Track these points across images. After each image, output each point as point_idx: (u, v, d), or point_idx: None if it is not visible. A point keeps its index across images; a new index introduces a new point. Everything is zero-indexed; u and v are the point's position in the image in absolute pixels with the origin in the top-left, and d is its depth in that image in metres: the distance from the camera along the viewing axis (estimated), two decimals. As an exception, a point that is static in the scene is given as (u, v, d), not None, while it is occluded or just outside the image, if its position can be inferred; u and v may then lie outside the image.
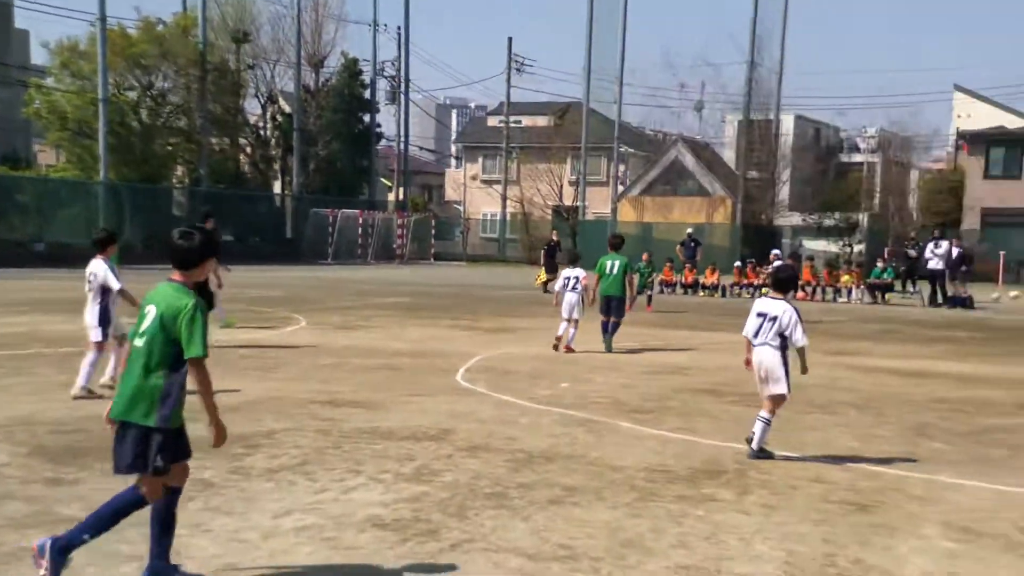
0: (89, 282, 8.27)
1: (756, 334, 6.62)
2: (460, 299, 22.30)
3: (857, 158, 55.75)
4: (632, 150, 52.23)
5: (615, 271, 12.70)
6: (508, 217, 51.39)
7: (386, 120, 53.60)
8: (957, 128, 50.51)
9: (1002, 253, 35.59)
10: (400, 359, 11.42)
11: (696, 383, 10.13)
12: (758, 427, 6.60)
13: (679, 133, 51.62)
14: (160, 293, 3.98)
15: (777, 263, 20.91)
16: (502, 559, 4.51)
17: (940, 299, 23.41)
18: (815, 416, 8.31)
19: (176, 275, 4.01)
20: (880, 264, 26.24)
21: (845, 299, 25.12)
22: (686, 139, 49.65)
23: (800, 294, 25.56)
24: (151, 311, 3.92)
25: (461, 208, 57.11)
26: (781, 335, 6.52)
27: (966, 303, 22.94)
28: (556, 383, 9.85)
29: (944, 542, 4.88)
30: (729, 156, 51.79)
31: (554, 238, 28.03)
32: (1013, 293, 27.93)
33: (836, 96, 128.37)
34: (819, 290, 25.94)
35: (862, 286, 25.27)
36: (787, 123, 49.67)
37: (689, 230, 30.17)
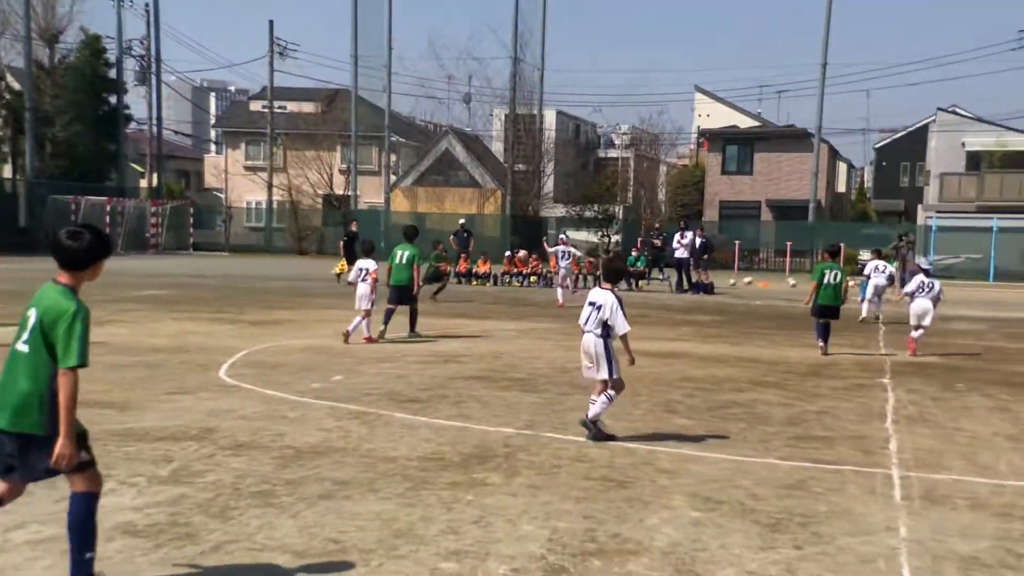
0: None
1: (586, 322, 6.91)
2: (223, 291, 21.29)
3: (612, 153, 59.12)
4: (403, 140, 52.22)
5: (404, 260, 13.05)
6: (275, 206, 49.67)
7: (136, 102, 50.01)
8: (698, 127, 55.04)
9: (737, 242, 39.25)
10: (156, 355, 10.71)
11: (469, 370, 10.32)
12: (601, 400, 6.89)
13: (449, 124, 52.27)
14: (43, 295, 3.72)
15: (561, 248, 21.80)
16: (268, 558, 4.37)
17: (685, 285, 25.39)
18: (577, 397, 8.72)
19: (63, 277, 3.74)
20: (634, 253, 28.07)
21: (604, 286, 26.59)
22: (456, 130, 50.37)
23: (564, 283, 26.81)
24: (32, 315, 3.68)
25: (223, 196, 54.45)
26: (604, 323, 6.80)
27: (708, 289, 25.08)
28: (327, 376, 9.67)
29: (690, 512, 5.30)
30: (498, 148, 53.15)
31: (353, 228, 27.39)
32: (747, 279, 30.93)
33: (593, 94, 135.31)
34: (581, 278, 27.29)
35: (619, 274, 26.86)
36: (550, 118, 51.73)
37: (462, 221, 30.66)
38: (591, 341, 6.87)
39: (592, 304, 6.93)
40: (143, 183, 53.32)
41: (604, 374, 6.87)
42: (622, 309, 6.84)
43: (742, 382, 10.09)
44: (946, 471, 6.36)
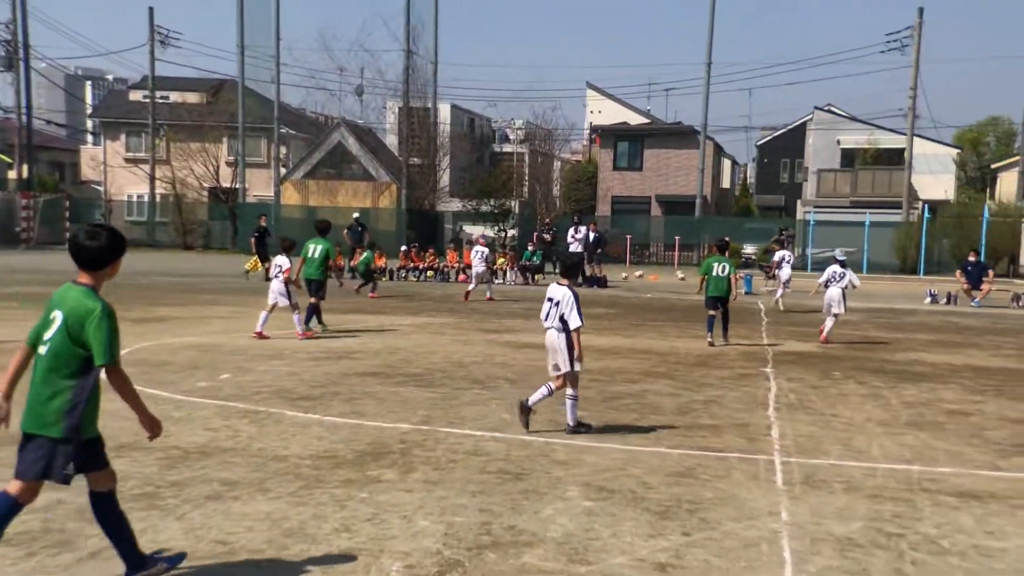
0: None
1: (547, 318, 7.10)
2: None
3: (508, 148, 59.40)
4: (293, 132, 51.04)
5: (317, 255, 13.27)
6: (158, 199, 47.79)
7: (3, 89, 47.31)
8: (590, 123, 55.89)
9: (628, 237, 40.09)
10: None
11: (363, 366, 10.19)
12: (567, 406, 7.11)
13: (341, 117, 51.38)
14: (65, 297, 3.79)
15: (477, 249, 21.60)
16: (153, 565, 4.20)
17: (580, 279, 25.80)
18: (474, 391, 8.76)
19: (83, 277, 3.82)
20: (530, 247, 28.30)
21: (500, 281, 26.75)
22: (349, 123, 49.56)
23: (461, 276, 26.81)
24: (57, 317, 3.75)
25: (102, 188, 52.03)
26: (563, 318, 6.96)
27: (601, 282, 25.55)
28: (215, 374, 9.38)
29: (583, 501, 5.38)
30: (392, 141, 52.59)
31: (262, 224, 26.43)
32: (638, 273, 31.64)
33: (487, 88, 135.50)
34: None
35: (515, 268, 27.09)
36: (444, 112, 51.54)
37: (356, 215, 30.23)
38: (553, 336, 7.06)
39: (551, 300, 7.11)
40: (12, 175, 50.40)
41: (565, 367, 7.05)
42: (578, 305, 7.00)
43: (634, 373, 10.31)
44: (824, 456, 6.66)
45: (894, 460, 6.59)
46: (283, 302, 12.49)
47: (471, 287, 20.28)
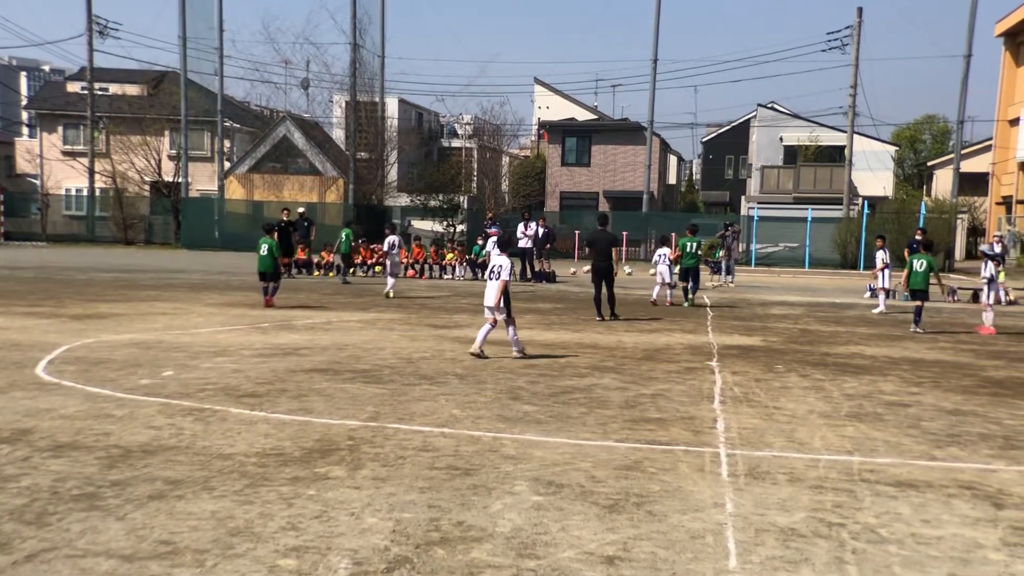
0: (496, 272, 10.28)
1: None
2: (39, 283, 19.82)
3: (456, 143, 59.27)
4: (238, 125, 50.26)
5: (693, 248, 18.53)
6: (98, 193, 46.67)
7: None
8: (538, 119, 56.08)
9: (576, 232, 40.30)
10: (-38, 354, 9.84)
11: (311, 363, 10.08)
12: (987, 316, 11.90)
13: (287, 110, 50.71)
14: None
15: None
16: (91, 564, 4.11)
17: (529, 274, 25.87)
18: (423, 387, 8.72)
19: None
20: (480, 242, 28.27)
21: (450, 276, 26.71)
22: (294, 116, 48.92)
23: (410, 272, 26.69)
24: None
25: (38, 182, 50.62)
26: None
27: (550, 277, 25.64)
28: (157, 372, 9.20)
29: (532, 496, 5.40)
30: (339, 135, 52.08)
31: (284, 218, 25.71)
32: (586, 268, 31.79)
33: (435, 83, 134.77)
34: (427, 268, 27.29)
35: (464, 263, 27.06)
36: (392, 106, 51.23)
37: (301, 209, 29.87)
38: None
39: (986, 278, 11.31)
40: (-57, 166, 48.82)
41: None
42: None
43: (582, 367, 10.37)
44: (767, 448, 6.78)
45: (835, 451, 6.74)
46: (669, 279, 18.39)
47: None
